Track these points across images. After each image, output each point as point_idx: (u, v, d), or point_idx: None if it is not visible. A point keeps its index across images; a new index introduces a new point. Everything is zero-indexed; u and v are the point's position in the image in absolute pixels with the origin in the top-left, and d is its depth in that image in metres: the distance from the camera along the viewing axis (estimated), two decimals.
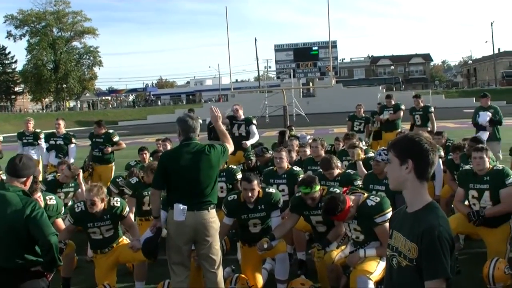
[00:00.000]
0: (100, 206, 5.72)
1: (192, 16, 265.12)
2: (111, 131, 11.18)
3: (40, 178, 8.04)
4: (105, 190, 5.94)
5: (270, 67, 74.68)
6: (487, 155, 6.10)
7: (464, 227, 6.24)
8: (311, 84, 50.27)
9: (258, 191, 5.75)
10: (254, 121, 10.48)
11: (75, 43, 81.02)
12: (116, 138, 10.93)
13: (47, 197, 6.01)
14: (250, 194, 5.64)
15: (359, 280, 4.85)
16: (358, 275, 4.89)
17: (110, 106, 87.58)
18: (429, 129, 11.69)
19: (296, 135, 11.36)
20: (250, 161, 8.80)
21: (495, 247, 5.94)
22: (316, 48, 42.55)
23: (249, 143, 9.97)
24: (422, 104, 12.49)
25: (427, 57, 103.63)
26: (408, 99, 20.21)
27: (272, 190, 6.00)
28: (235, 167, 8.16)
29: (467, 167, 6.57)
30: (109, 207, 5.82)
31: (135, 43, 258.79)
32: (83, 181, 8.26)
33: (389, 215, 4.89)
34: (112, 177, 10.35)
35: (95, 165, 10.80)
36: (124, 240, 6.12)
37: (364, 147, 9.01)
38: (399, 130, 12.16)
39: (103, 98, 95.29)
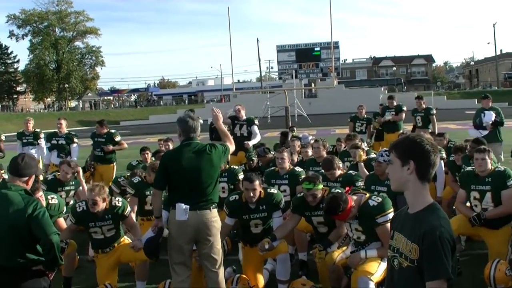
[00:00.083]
0: (101, 205, 5.73)
1: (193, 16, 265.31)
2: (113, 131, 11.17)
3: (41, 178, 8.04)
4: (106, 189, 5.95)
5: (272, 67, 74.89)
6: (489, 156, 6.09)
7: (466, 229, 6.23)
8: (313, 84, 50.28)
9: (260, 192, 5.75)
10: (256, 122, 10.48)
11: (77, 43, 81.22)
12: (118, 138, 10.93)
13: (48, 196, 6.02)
14: (251, 194, 5.65)
15: (360, 280, 4.85)
16: (359, 276, 4.89)
17: (112, 106, 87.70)
18: (430, 131, 11.67)
19: (298, 136, 11.35)
20: (251, 162, 8.80)
21: (496, 248, 5.93)
22: (318, 48, 42.71)
23: (251, 143, 9.98)
24: (424, 106, 12.46)
25: (429, 58, 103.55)
26: (410, 100, 20.20)
27: (273, 190, 6.00)
28: (237, 167, 8.17)
29: (469, 168, 6.57)
30: (110, 207, 5.83)
31: (137, 43, 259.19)
32: (83, 178, 8.26)
33: (390, 215, 4.89)
34: (114, 177, 10.36)
35: (97, 165, 10.79)
36: (126, 240, 6.12)
37: (366, 148, 9.01)
38: (401, 131, 12.14)
39: (105, 98, 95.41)
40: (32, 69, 75.14)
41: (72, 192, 7.98)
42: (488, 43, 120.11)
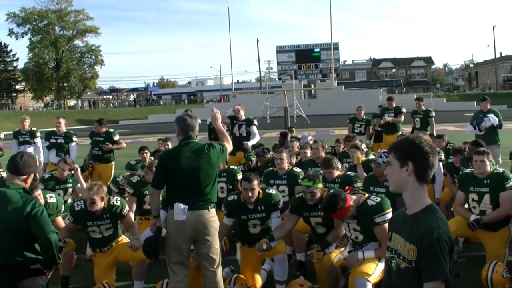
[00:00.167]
0: (100, 204, 5.73)
1: (193, 16, 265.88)
2: (111, 130, 11.16)
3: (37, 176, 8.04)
4: (105, 189, 5.94)
5: (271, 68, 74.80)
6: (488, 158, 6.11)
7: (464, 230, 6.24)
8: (312, 85, 50.25)
9: (258, 192, 5.76)
10: (255, 122, 10.49)
11: (77, 42, 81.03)
12: (116, 137, 10.92)
13: (47, 195, 6.02)
14: (250, 194, 5.65)
15: (358, 281, 4.85)
16: (356, 277, 4.89)
17: (111, 105, 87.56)
18: (428, 132, 11.68)
19: (297, 137, 11.36)
20: (250, 162, 8.81)
21: (494, 250, 5.94)
22: (318, 49, 42.67)
23: (250, 143, 9.98)
24: (423, 108, 12.47)
25: (428, 60, 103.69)
26: (409, 102, 20.22)
27: (272, 191, 6.01)
28: (235, 167, 8.17)
29: (468, 170, 6.58)
30: (109, 206, 5.83)
31: (136, 43, 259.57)
32: (81, 174, 8.26)
33: (389, 215, 4.90)
34: (112, 176, 10.36)
35: (95, 164, 10.78)
36: (124, 239, 6.12)
37: (365, 150, 9.01)
38: (400, 132, 12.16)
39: (104, 97, 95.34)
40: (32, 67, 75.00)
41: (70, 190, 7.98)
42: (488, 45, 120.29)
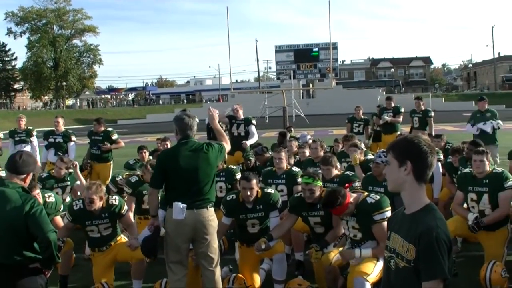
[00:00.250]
0: (98, 204, 5.73)
1: (192, 16, 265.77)
2: (110, 129, 11.18)
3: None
4: (103, 188, 5.94)
5: (270, 67, 74.71)
6: (487, 158, 6.12)
7: (462, 230, 6.25)
8: (311, 85, 50.27)
9: (257, 191, 5.76)
10: (254, 121, 10.50)
11: (76, 41, 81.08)
12: (115, 136, 10.93)
13: (46, 194, 6.02)
14: (248, 193, 5.65)
15: (356, 281, 4.85)
16: (355, 276, 4.89)
17: (110, 104, 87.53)
18: (426, 132, 11.69)
19: (296, 136, 11.36)
20: (249, 161, 8.81)
21: (492, 250, 5.95)
22: (316, 49, 42.68)
23: (248, 143, 9.99)
24: (423, 107, 12.46)
25: (427, 60, 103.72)
26: (408, 102, 20.21)
27: (271, 190, 6.01)
28: (234, 167, 8.17)
29: (466, 170, 6.59)
30: (107, 206, 5.83)
31: (135, 42, 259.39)
32: (78, 170, 8.26)
33: (388, 213, 4.91)
34: (111, 175, 10.36)
35: (94, 163, 10.78)
36: (122, 238, 6.12)
37: (364, 149, 9.01)
38: (399, 132, 12.17)
39: (103, 96, 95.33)
40: (30, 66, 74.99)
41: (68, 188, 7.99)
42: (487, 45, 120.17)
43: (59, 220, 6.14)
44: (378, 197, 5.14)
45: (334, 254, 5.36)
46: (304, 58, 43.01)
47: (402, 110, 12.69)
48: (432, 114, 12.39)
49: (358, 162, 7.76)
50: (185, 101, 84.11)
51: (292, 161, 8.68)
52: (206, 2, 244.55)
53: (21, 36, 77.46)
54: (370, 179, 6.76)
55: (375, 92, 54.70)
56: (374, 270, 4.90)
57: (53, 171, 7.98)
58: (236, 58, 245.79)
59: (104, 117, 12.48)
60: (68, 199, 7.94)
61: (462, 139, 9.55)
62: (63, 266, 6.01)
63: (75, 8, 78.31)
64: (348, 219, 5.21)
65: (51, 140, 10.81)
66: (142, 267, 5.94)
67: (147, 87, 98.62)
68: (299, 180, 6.90)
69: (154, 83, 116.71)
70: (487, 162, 6.10)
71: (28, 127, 11.65)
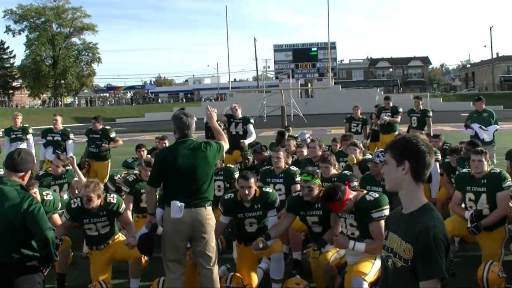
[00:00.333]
0: (96, 202, 5.73)
1: (191, 14, 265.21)
2: (108, 127, 11.17)
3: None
4: (101, 186, 5.95)
5: (269, 67, 74.88)
6: (486, 158, 6.13)
7: (460, 230, 6.26)
8: (309, 85, 50.26)
9: (255, 190, 5.76)
10: (252, 120, 10.51)
11: (74, 39, 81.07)
12: (113, 134, 10.92)
13: (44, 193, 6.02)
14: (247, 192, 5.66)
15: (354, 281, 4.86)
16: (353, 276, 4.90)
17: (108, 103, 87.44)
18: (424, 132, 11.70)
19: (294, 136, 11.35)
20: (247, 160, 8.81)
21: (490, 250, 5.96)
22: (315, 49, 42.59)
23: (246, 142, 10.00)
24: (421, 107, 12.45)
25: (425, 60, 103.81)
26: (406, 101, 20.22)
27: (269, 189, 6.02)
28: (233, 166, 8.18)
29: (465, 170, 6.60)
30: (105, 204, 5.83)
31: (133, 41, 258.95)
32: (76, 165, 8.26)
33: (386, 211, 4.91)
34: (108, 173, 10.35)
35: (91, 162, 10.77)
36: (120, 237, 6.12)
37: (362, 149, 9.02)
38: (397, 132, 12.17)
39: (101, 94, 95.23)
40: (28, 64, 74.93)
41: (65, 186, 7.99)
42: (485, 46, 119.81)
43: (57, 218, 6.14)
44: (377, 195, 5.16)
45: (331, 254, 5.38)
46: (302, 58, 42.94)
47: (401, 110, 12.67)
48: (431, 114, 12.37)
49: (355, 162, 7.78)
50: (183, 100, 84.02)
51: (290, 161, 8.69)
52: (205, 1, 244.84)
53: (19, 34, 77.48)
54: (368, 178, 6.77)
55: (373, 92, 54.73)
56: (372, 269, 4.91)
57: (50, 169, 7.98)
58: (235, 57, 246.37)
59: (102, 115, 12.43)
60: (65, 196, 7.94)
61: (460, 139, 9.56)
62: (61, 264, 6.01)
63: (74, 6, 78.44)
64: (346, 216, 5.22)
65: (49, 138, 10.80)
66: (140, 265, 5.94)
67: (145, 86, 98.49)
68: (297, 179, 6.92)
69: (152, 82, 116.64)
70: (485, 162, 6.10)
71: (24, 125, 11.64)
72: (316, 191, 5.71)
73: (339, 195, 5.03)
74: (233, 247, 6.57)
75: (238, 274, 5.81)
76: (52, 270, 5.06)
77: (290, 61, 43.18)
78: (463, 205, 6.33)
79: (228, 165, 8.12)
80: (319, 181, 5.81)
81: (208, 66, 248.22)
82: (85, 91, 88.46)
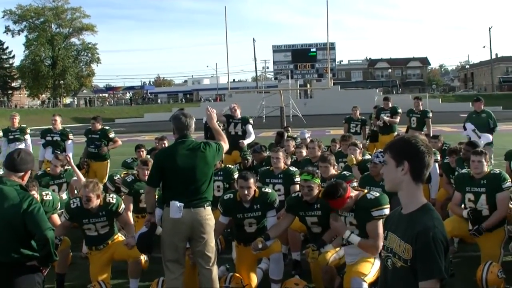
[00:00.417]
0: (95, 202, 5.74)
1: (190, 15, 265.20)
2: (107, 127, 11.17)
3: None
4: (100, 186, 5.95)
5: (268, 67, 74.74)
6: (485, 159, 6.13)
7: (459, 231, 6.27)
8: (308, 85, 50.28)
9: (255, 191, 5.76)
10: (251, 121, 10.53)
11: (74, 40, 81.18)
12: (112, 135, 10.92)
13: (43, 193, 6.03)
14: (246, 192, 5.66)
15: (354, 281, 4.86)
16: (352, 277, 4.90)
17: (107, 103, 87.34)
18: (423, 132, 11.70)
19: (293, 136, 11.36)
20: (246, 161, 8.81)
21: (489, 250, 5.96)
22: (314, 49, 42.63)
23: (245, 142, 10.01)
24: (421, 108, 12.46)
25: (424, 61, 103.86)
26: (405, 102, 20.21)
27: (268, 190, 6.01)
28: (232, 166, 8.18)
29: (464, 170, 6.60)
30: (104, 204, 5.83)
31: (133, 41, 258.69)
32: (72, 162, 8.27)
33: (386, 211, 4.91)
34: (108, 174, 10.35)
35: (91, 162, 10.77)
36: (119, 237, 6.12)
37: (362, 149, 9.03)
38: (396, 133, 12.17)
39: (100, 95, 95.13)
40: (28, 65, 74.98)
41: (64, 185, 7.99)
42: (484, 46, 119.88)
43: (56, 218, 6.15)
44: (378, 194, 5.16)
45: (331, 254, 5.38)
46: (301, 58, 42.98)
47: (400, 110, 12.66)
48: (431, 115, 12.37)
49: (354, 162, 7.79)
50: (183, 100, 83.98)
51: (289, 161, 8.70)
52: (205, 1, 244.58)
53: (19, 34, 77.58)
54: (368, 179, 6.77)
55: (372, 92, 54.76)
56: (371, 270, 4.92)
57: (49, 169, 7.99)
58: (234, 57, 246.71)
59: (101, 115, 12.40)
60: (64, 196, 7.95)
61: (459, 140, 9.57)
62: (60, 265, 6.01)
63: (73, 6, 78.57)
64: (347, 214, 5.22)
65: (49, 138, 10.79)
66: (139, 266, 5.95)
67: (144, 86, 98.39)
68: (297, 179, 6.93)
69: (151, 82, 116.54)
70: (485, 163, 6.11)
71: (22, 125, 11.63)
72: (315, 191, 5.71)
73: (340, 192, 5.03)
74: (233, 247, 6.57)
75: (237, 275, 5.81)
76: (51, 270, 5.06)
77: (289, 61, 43.22)
78: (462, 206, 6.34)
79: (227, 166, 8.13)
80: (319, 181, 5.81)
81: (207, 66, 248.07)
82: (84, 91, 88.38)
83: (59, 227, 5.90)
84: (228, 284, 5.69)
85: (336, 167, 7.28)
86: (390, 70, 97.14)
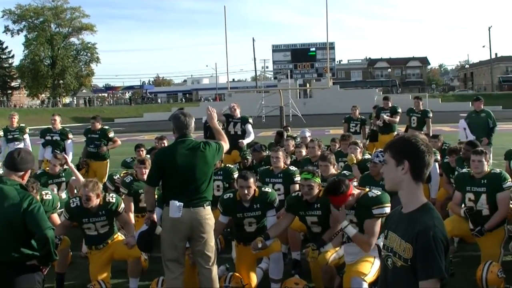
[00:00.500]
0: (95, 201, 5.73)
1: (189, 14, 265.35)
2: (106, 127, 11.16)
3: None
4: (100, 185, 5.95)
5: (267, 67, 74.93)
6: (485, 158, 6.13)
7: (459, 230, 6.27)
8: (308, 85, 50.30)
9: (254, 190, 5.76)
10: (250, 120, 10.53)
11: (73, 39, 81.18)
12: (111, 134, 10.92)
13: (42, 192, 6.03)
14: (246, 192, 5.65)
15: (354, 281, 4.86)
16: (352, 276, 4.90)
17: (107, 103, 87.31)
18: (423, 132, 11.69)
19: (293, 136, 11.35)
20: (246, 160, 8.81)
21: (489, 250, 5.96)
22: (313, 49, 42.69)
23: (245, 142, 10.01)
24: (421, 107, 12.45)
25: (424, 61, 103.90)
26: (405, 102, 20.20)
27: (268, 189, 6.01)
28: (232, 166, 8.18)
29: (464, 170, 6.60)
30: (104, 203, 5.83)
31: (132, 41, 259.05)
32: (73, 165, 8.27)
33: (387, 209, 4.90)
34: (107, 173, 10.35)
35: (90, 161, 10.77)
36: (119, 236, 6.12)
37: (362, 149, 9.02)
38: (396, 132, 12.17)
39: (100, 94, 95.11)
40: (27, 64, 74.96)
41: (63, 185, 7.99)
42: (483, 46, 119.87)
43: (56, 218, 6.14)
44: (379, 192, 5.15)
45: (330, 254, 5.38)
46: (301, 58, 43.04)
47: (399, 110, 12.66)
48: (431, 114, 12.36)
49: (354, 161, 7.79)
50: (182, 100, 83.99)
51: (288, 161, 8.69)
52: (205, 1, 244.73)
53: (18, 34, 77.60)
54: (368, 178, 6.76)
55: (372, 92, 54.78)
56: (371, 269, 4.91)
57: (47, 169, 7.99)
58: (234, 57, 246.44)
59: (101, 115, 12.39)
60: (63, 195, 7.94)
61: (458, 140, 9.57)
62: (60, 264, 6.01)
63: (73, 6, 78.64)
64: (347, 212, 5.21)
65: (48, 138, 10.79)
66: (139, 265, 5.94)
67: (144, 86, 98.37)
68: (296, 179, 6.93)
69: (151, 82, 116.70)
70: (485, 163, 6.11)
71: (21, 125, 11.62)
72: (316, 190, 5.71)
73: (343, 188, 5.02)
74: (232, 247, 6.57)
75: (237, 274, 5.81)
76: (51, 269, 5.07)
77: (289, 61, 43.28)
78: (462, 205, 6.33)
79: (227, 165, 8.13)
80: (319, 180, 5.81)
81: (206, 66, 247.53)
82: (84, 91, 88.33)
83: (59, 226, 5.89)
84: (228, 283, 5.69)
85: (336, 166, 7.28)
86: (389, 70, 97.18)
